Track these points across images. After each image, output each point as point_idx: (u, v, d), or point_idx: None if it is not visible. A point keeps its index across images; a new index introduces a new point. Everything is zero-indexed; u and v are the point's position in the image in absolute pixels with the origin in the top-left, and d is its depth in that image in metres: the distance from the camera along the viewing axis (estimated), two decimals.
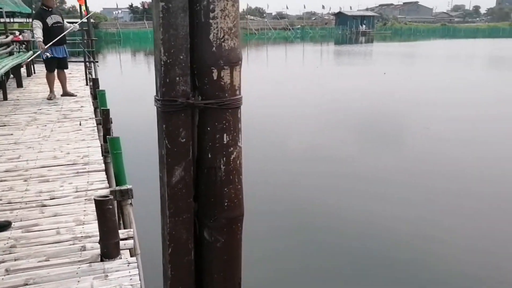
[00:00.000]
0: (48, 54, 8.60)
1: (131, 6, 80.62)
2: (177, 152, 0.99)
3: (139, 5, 79.08)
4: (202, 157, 1.02)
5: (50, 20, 8.54)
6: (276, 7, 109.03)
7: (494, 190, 7.44)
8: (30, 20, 19.91)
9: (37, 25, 8.40)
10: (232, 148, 1.03)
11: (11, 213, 3.74)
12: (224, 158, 1.02)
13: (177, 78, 0.96)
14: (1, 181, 4.45)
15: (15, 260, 3.04)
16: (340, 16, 78.05)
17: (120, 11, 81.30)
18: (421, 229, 6.15)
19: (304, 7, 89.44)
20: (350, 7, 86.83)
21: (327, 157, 9.37)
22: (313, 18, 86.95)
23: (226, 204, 1.05)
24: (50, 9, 8.66)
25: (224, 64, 0.98)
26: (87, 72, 11.39)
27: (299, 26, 72.17)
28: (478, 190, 7.52)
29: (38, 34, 8.38)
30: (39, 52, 8.72)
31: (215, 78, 0.98)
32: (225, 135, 1.01)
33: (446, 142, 10.28)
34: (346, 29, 73.41)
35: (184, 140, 0.99)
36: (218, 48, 0.97)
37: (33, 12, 13.22)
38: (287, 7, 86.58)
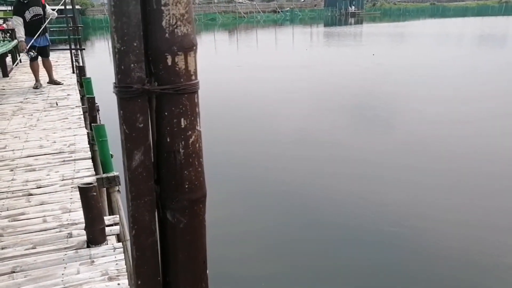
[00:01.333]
0: (31, 53, 8.50)
1: None
2: (135, 137, 1.02)
3: None
4: (161, 141, 1.06)
5: (28, 15, 8.38)
6: None
7: (487, 169, 7.51)
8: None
9: (18, 22, 8.27)
10: (190, 132, 1.06)
11: None
12: (183, 142, 1.05)
13: (132, 65, 0.99)
14: None
15: (2, 248, 3.08)
16: None
17: None
18: (410, 210, 6.26)
19: None
20: None
21: (315, 139, 9.43)
22: (302, 0, 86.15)
23: (187, 186, 1.09)
24: (27, 1, 8.44)
25: (177, 50, 1.01)
26: (74, 60, 11.30)
27: (288, 8, 71.60)
28: (468, 169, 7.60)
29: (21, 33, 8.29)
30: (24, 53, 8.57)
31: (169, 64, 1.01)
32: (182, 119, 1.04)
33: (433, 123, 10.36)
34: (335, 11, 72.98)
35: (142, 125, 1.02)
36: (171, 35, 1.00)
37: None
38: None
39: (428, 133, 9.52)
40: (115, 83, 1.01)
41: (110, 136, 4.65)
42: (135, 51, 0.98)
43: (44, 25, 8.58)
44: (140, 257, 1.10)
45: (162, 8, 0.98)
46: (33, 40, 8.32)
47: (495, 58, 21.41)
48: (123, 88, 0.99)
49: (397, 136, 9.47)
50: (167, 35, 1.00)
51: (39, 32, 8.33)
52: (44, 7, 8.70)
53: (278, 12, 69.24)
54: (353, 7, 74.34)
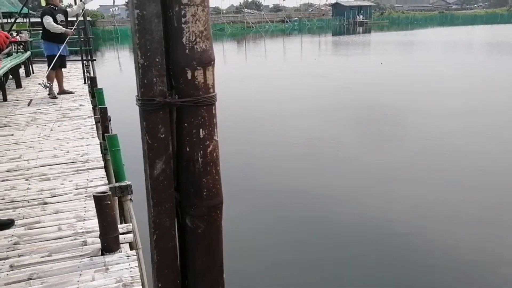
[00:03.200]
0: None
1: (127, 3, 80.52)
2: (157, 147, 1.08)
3: None
4: (181, 151, 1.12)
5: (58, 18, 8.75)
6: (272, 0, 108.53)
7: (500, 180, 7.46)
8: (27, 20, 19.99)
9: (50, 20, 8.60)
10: (208, 142, 1.12)
11: (14, 211, 3.85)
12: (201, 151, 1.11)
13: (154, 79, 1.05)
14: (3, 180, 4.56)
15: (19, 256, 3.15)
16: (337, 7, 77.84)
17: (117, 8, 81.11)
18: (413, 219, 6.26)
19: None
20: None
21: (328, 150, 9.46)
22: (310, 10, 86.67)
23: (205, 193, 1.15)
24: (56, 8, 8.85)
25: (197, 65, 1.07)
26: (85, 71, 11.48)
27: (296, 18, 72.01)
28: (484, 182, 7.53)
29: (56, 25, 8.62)
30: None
31: (189, 78, 1.07)
32: (201, 130, 1.10)
33: (444, 132, 10.35)
34: (343, 20, 73.23)
35: (163, 136, 1.08)
36: (191, 51, 1.06)
37: (31, 11, 13.28)
38: (283, 0, 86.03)
39: (439, 144, 9.51)
40: (137, 96, 1.08)
41: (121, 145, 4.74)
42: (158, 66, 1.05)
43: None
44: (161, 261, 1.16)
45: (183, 25, 1.05)
46: (62, 48, 8.62)
47: (506, 66, 21.34)
48: (146, 101, 1.06)
49: (412, 148, 9.47)
50: (187, 51, 1.06)
51: (67, 38, 8.72)
52: (66, 13, 9.04)
53: (286, 21, 69.63)
54: (361, 16, 74.58)
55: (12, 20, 33.11)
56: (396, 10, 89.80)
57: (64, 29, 8.74)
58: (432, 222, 6.07)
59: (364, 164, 8.41)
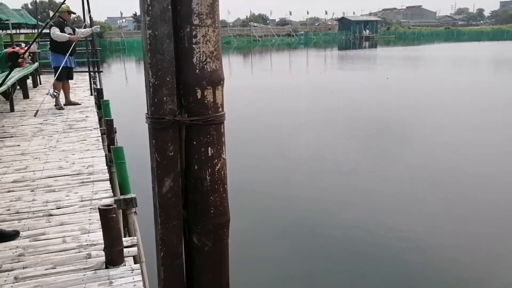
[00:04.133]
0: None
1: (135, 15, 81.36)
2: (166, 165, 1.09)
3: None
4: (190, 169, 1.13)
5: (66, 30, 8.88)
6: (279, 14, 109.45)
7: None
8: (36, 30, 20.18)
9: (56, 30, 8.74)
10: (216, 160, 1.13)
11: (19, 222, 3.86)
12: (209, 170, 1.12)
13: (165, 98, 1.07)
14: (9, 191, 4.57)
15: (24, 268, 3.15)
16: (343, 22, 78.32)
17: (124, 20, 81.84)
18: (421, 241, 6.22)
19: (308, 13, 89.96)
20: (353, 12, 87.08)
21: (328, 164, 9.44)
22: (317, 24, 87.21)
23: (212, 211, 1.15)
24: (65, 22, 9.01)
25: (207, 85, 1.09)
26: (92, 82, 11.56)
27: (302, 32, 72.43)
28: (494, 200, 7.46)
29: (65, 34, 8.75)
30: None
31: (199, 97, 1.09)
32: (209, 148, 1.11)
33: (448, 149, 10.32)
34: (350, 34, 73.57)
35: (172, 153, 1.09)
36: (201, 70, 1.08)
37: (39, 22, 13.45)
38: (290, 13, 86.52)
39: (446, 161, 9.47)
40: (147, 114, 1.09)
41: (126, 158, 4.76)
42: (168, 85, 1.06)
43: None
44: (168, 278, 1.16)
45: (194, 46, 1.06)
46: (68, 59, 8.73)
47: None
48: (156, 119, 1.07)
49: (418, 162, 9.43)
50: (197, 70, 1.08)
51: (71, 47, 8.83)
52: (74, 30, 9.17)
53: (293, 35, 70.05)
54: (367, 31, 74.96)
55: (21, 31, 33.65)
56: (402, 25, 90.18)
57: (68, 35, 8.81)
58: (445, 239, 6.02)
59: (369, 178, 8.39)
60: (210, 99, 1.10)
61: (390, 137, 11.58)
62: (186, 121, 1.09)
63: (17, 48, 12.48)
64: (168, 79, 1.06)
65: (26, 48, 3.23)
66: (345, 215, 6.92)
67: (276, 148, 10.76)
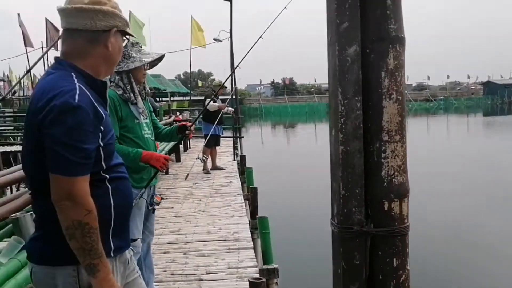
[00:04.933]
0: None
1: (272, 82, 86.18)
2: (352, 273, 1.14)
3: (280, 81, 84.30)
4: (374, 278, 1.15)
5: (218, 102, 9.81)
6: (416, 78, 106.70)
7: None
8: (188, 98, 22.36)
9: (210, 101, 9.68)
10: (401, 272, 1.14)
11: (174, 284, 4.16)
12: (394, 281, 1.13)
13: (353, 209, 1.13)
14: (165, 252, 4.99)
15: None
16: (489, 85, 73.39)
17: (262, 87, 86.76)
18: None
19: (448, 77, 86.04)
20: (501, 76, 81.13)
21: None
22: (458, 89, 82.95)
23: None
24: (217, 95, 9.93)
25: (394, 197, 1.13)
26: (234, 148, 12.35)
27: (442, 97, 69.38)
28: None
29: (215, 104, 9.65)
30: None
31: (386, 209, 1.13)
32: (394, 259, 1.13)
33: None
34: (496, 99, 68.42)
35: (358, 262, 1.14)
36: (389, 184, 1.13)
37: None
38: (428, 78, 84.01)
39: None
40: (334, 221, 1.16)
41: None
42: (357, 197, 1.13)
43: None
44: None
45: (382, 160, 1.13)
46: (216, 128, 9.57)
47: None
48: (343, 229, 1.13)
49: None
50: (385, 184, 1.13)
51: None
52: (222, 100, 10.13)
53: (431, 100, 67.43)
54: None
55: (174, 98, 37.43)
56: None
57: (217, 105, 9.60)
58: None
59: None
60: (397, 211, 1.13)
61: None
62: (373, 232, 1.14)
63: (179, 116, 13.99)
64: (357, 191, 1.13)
65: (191, 123, 3.61)
66: None
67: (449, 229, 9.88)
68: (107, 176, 1.59)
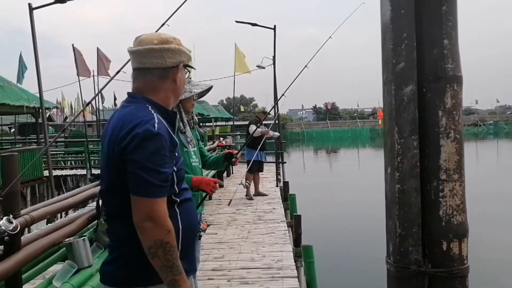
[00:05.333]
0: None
1: (314, 107, 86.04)
2: None
3: (322, 106, 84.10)
4: None
5: (261, 128, 9.89)
6: (464, 103, 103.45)
7: None
8: (231, 123, 22.62)
9: (253, 127, 9.75)
10: None
11: None
12: None
13: (410, 248, 1.12)
14: (209, 279, 5.01)
15: None
16: None
17: (304, 112, 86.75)
18: None
19: (497, 101, 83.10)
20: None
21: None
22: (509, 113, 79.97)
23: None
24: (260, 121, 10.00)
25: (453, 237, 1.11)
26: (277, 173, 12.34)
27: (491, 121, 67.03)
28: None
29: (258, 129, 9.73)
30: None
31: (444, 249, 1.11)
32: None
33: None
34: None
35: None
36: (447, 223, 1.11)
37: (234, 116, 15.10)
38: (476, 102, 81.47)
39: None
40: (390, 260, 1.15)
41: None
42: (414, 236, 1.12)
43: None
44: None
45: (440, 199, 1.11)
46: (259, 154, 9.61)
47: None
48: (400, 268, 1.12)
49: None
50: (443, 223, 1.11)
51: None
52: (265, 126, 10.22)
53: (480, 125, 65.27)
54: None
55: (217, 123, 38.10)
56: None
57: (260, 130, 9.65)
58: None
59: None
60: (456, 252, 1.11)
61: None
62: (431, 272, 1.12)
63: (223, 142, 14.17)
64: (414, 230, 1.12)
65: (238, 151, 3.65)
66: None
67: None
68: (178, 200, 1.68)
